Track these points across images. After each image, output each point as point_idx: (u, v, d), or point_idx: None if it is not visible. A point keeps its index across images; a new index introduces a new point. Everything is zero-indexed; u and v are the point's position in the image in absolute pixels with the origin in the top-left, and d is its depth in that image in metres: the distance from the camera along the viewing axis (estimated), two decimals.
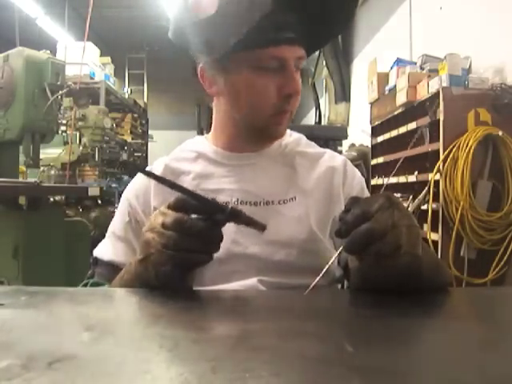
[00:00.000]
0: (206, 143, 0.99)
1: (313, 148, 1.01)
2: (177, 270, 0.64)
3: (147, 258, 0.66)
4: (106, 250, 0.92)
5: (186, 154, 0.98)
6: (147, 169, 1.02)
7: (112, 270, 0.86)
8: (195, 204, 0.64)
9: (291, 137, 1.01)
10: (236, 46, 0.81)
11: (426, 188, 2.67)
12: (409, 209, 2.79)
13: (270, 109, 0.87)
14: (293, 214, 0.90)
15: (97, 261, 0.91)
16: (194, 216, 0.64)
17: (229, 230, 0.68)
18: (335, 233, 0.66)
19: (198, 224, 0.63)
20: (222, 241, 0.65)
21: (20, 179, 2.44)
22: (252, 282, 0.83)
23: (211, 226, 0.64)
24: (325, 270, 0.68)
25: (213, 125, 0.98)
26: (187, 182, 0.91)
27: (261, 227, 0.65)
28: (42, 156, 2.40)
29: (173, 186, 0.66)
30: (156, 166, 0.98)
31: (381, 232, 0.60)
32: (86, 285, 0.87)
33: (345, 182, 0.96)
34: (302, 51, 0.87)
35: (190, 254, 0.63)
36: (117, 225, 0.94)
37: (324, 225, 0.91)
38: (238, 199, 0.89)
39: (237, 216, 0.65)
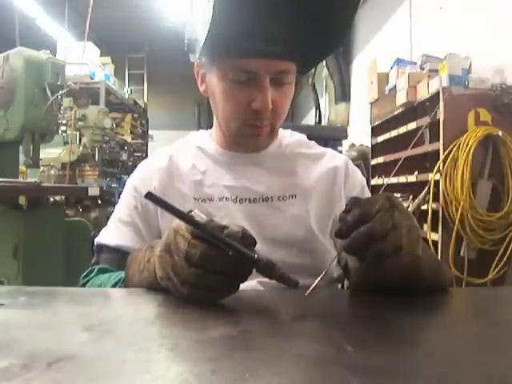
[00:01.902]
0: (208, 139, 0.99)
1: (314, 148, 1.00)
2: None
3: (166, 279, 0.61)
4: (112, 235, 0.90)
5: (189, 148, 0.98)
6: (150, 157, 1.03)
7: (118, 255, 0.86)
8: (224, 239, 0.57)
9: (292, 137, 1.00)
10: (205, 51, 0.81)
11: (426, 188, 2.67)
12: (409, 209, 2.79)
13: (240, 121, 0.86)
14: (292, 211, 0.89)
15: (101, 247, 0.90)
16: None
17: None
18: (335, 233, 0.65)
19: (226, 262, 0.57)
20: (247, 278, 0.59)
21: (20, 179, 2.43)
22: (251, 283, 0.81)
23: (242, 264, 0.58)
24: (325, 271, 0.68)
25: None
26: (190, 178, 0.92)
27: (293, 283, 0.61)
28: (42, 156, 2.40)
29: (193, 223, 0.59)
30: (160, 157, 0.97)
31: (381, 233, 0.60)
32: (91, 271, 0.87)
33: (346, 181, 0.95)
34: (283, 65, 0.83)
35: (209, 291, 0.58)
36: (122, 211, 0.93)
37: (324, 225, 0.91)
38: (236, 196, 0.89)
39: (270, 269, 0.59)
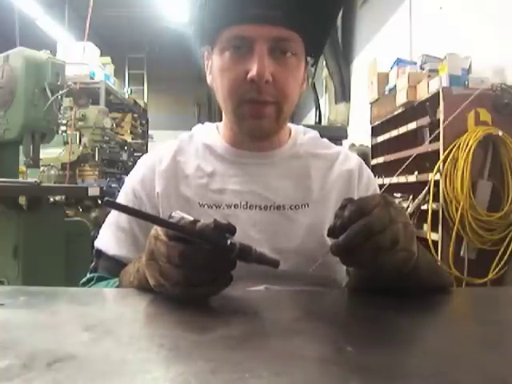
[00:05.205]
0: (216, 135, 0.93)
1: (328, 148, 0.95)
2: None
3: (158, 285, 0.62)
4: (110, 243, 0.87)
5: (195, 145, 0.92)
6: (151, 154, 0.97)
7: (116, 263, 0.84)
8: (198, 234, 0.57)
9: (305, 135, 0.95)
10: (202, 28, 0.80)
11: (426, 188, 2.67)
12: (409, 209, 2.79)
13: (238, 95, 0.80)
14: (304, 221, 0.85)
15: (100, 253, 0.87)
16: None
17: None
18: (328, 230, 0.62)
19: (206, 256, 0.57)
20: (234, 267, 0.59)
21: (20, 179, 2.43)
22: (259, 288, 0.79)
23: (221, 255, 0.58)
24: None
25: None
26: (196, 182, 0.86)
27: (273, 263, 0.60)
28: (41, 156, 2.39)
29: (161, 223, 0.60)
30: (163, 156, 0.90)
31: (379, 227, 0.59)
32: (91, 279, 0.86)
33: (359, 185, 0.91)
34: (280, 31, 0.78)
35: (200, 287, 0.59)
36: (121, 215, 0.87)
37: None
38: (246, 202, 0.84)
39: (246, 253, 0.59)
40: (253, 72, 0.76)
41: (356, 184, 0.90)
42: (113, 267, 0.84)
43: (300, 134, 0.95)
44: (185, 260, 0.57)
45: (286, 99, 0.82)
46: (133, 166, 0.97)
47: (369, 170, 0.96)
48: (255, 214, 0.84)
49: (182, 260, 0.57)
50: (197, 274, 0.58)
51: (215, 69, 0.84)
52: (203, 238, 0.57)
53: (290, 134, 0.95)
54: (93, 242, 0.92)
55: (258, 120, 0.82)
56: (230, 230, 0.59)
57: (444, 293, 0.71)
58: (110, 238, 0.88)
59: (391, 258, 0.60)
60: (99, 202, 3.50)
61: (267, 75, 0.77)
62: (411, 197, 2.91)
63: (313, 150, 0.93)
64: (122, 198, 0.91)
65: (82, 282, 0.87)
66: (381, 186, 3.27)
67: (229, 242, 0.58)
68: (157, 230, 0.62)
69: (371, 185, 0.93)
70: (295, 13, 0.78)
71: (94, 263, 0.89)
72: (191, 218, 0.60)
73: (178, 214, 0.60)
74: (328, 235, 0.63)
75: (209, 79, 0.89)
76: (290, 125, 0.96)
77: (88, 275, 0.88)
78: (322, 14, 0.82)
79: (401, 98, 3.10)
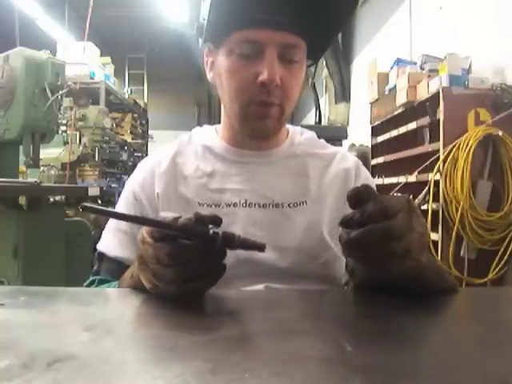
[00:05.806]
0: (214, 136, 0.94)
1: (325, 148, 0.96)
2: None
3: (153, 287, 0.62)
4: (111, 245, 0.87)
5: (194, 146, 0.93)
6: (150, 156, 0.98)
7: (119, 265, 0.84)
8: (180, 228, 0.58)
9: (302, 136, 0.96)
10: (210, 27, 0.81)
11: (426, 188, 2.68)
12: None
13: (246, 97, 0.82)
14: (303, 219, 0.86)
15: (102, 256, 0.88)
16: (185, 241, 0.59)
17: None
18: (342, 219, 0.61)
19: (194, 251, 0.58)
20: (224, 256, 0.60)
21: (20, 179, 2.43)
22: (259, 288, 0.80)
23: (208, 247, 0.58)
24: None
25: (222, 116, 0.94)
26: (195, 182, 0.87)
27: (259, 247, 0.60)
28: (41, 156, 2.40)
29: (142, 221, 0.62)
30: (162, 158, 0.91)
31: (398, 233, 0.58)
32: (93, 282, 0.86)
33: (356, 184, 0.88)
34: (290, 38, 0.81)
35: (193, 283, 0.59)
36: None
37: (336, 231, 0.85)
38: (246, 200, 0.86)
39: (230, 241, 0.59)
40: (264, 76, 0.79)
41: (353, 183, 0.91)
42: (115, 269, 0.84)
43: (297, 135, 0.96)
44: (174, 258, 0.58)
45: (289, 101, 0.85)
46: (133, 166, 0.98)
47: (366, 170, 0.96)
48: (254, 212, 0.85)
49: (172, 259, 0.58)
50: (188, 269, 0.59)
51: (221, 69, 0.85)
52: (185, 232, 0.58)
53: (287, 135, 0.96)
54: (93, 243, 0.92)
55: (263, 120, 0.84)
56: (215, 221, 0.60)
57: (444, 293, 0.71)
58: (111, 240, 0.88)
59: (400, 265, 0.60)
60: (99, 202, 3.51)
61: (277, 79, 0.80)
62: (411, 197, 2.91)
63: (310, 149, 0.94)
64: (122, 202, 0.92)
65: (84, 285, 0.87)
66: (381, 186, 3.26)
67: (211, 231, 0.58)
68: (142, 233, 0.62)
69: (369, 184, 0.93)
70: (302, 20, 0.80)
71: (96, 266, 0.89)
72: (175, 215, 0.60)
73: (163, 214, 0.62)
74: (340, 224, 0.61)
75: (209, 76, 0.90)
76: (287, 125, 0.97)
77: (90, 278, 0.88)
78: (327, 21, 0.84)
79: (401, 98, 3.10)
